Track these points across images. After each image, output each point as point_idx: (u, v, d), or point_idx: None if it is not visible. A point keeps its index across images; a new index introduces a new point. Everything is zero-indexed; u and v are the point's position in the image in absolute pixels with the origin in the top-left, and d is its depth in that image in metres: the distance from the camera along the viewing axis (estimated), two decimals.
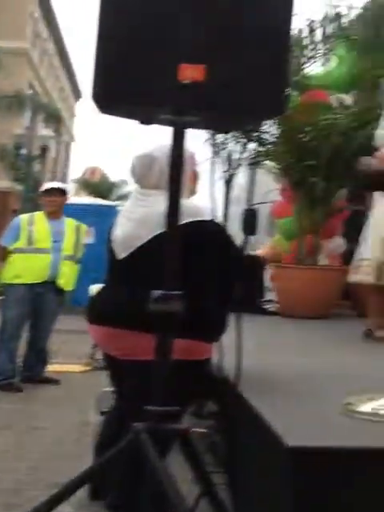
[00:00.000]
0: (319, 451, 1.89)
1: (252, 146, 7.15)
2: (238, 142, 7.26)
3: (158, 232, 2.56)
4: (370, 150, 5.11)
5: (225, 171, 7.88)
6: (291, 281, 6.35)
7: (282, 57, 2.30)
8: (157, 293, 2.11)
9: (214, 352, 2.78)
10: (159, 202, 2.37)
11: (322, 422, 2.26)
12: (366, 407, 2.39)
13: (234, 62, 2.18)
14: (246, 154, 7.38)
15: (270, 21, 2.23)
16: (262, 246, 3.11)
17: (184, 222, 2.36)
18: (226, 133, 5.94)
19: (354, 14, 6.90)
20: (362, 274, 4.90)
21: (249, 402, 2.47)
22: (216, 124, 2.60)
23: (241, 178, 7.96)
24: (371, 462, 1.94)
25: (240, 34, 2.20)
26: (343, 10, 6.75)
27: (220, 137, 6.95)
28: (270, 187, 8.08)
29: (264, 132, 6.91)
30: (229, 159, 7.67)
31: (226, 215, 8.49)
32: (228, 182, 8.12)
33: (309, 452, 1.88)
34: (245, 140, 7.10)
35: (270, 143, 6.95)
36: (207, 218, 2.72)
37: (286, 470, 1.91)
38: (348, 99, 6.74)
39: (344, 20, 6.79)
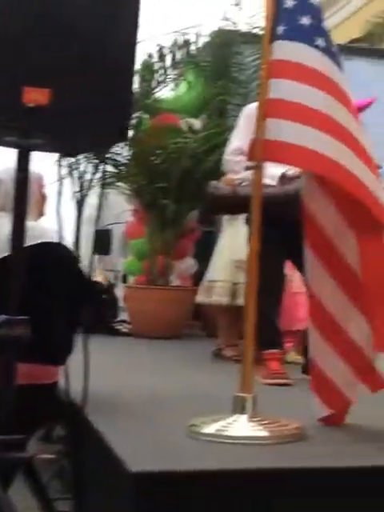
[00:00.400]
0: (161, 475, 1.90)
1: (104, 166, 7.16)
2: (90, 162, 7.25)
3: (4, 255, 2.51)
4: (219, 173, 5.25)
5: (76, 192, 7.84)
6: (143, 301, 6.38)
7: (126, 84, 2.35)
8: (1, 318, 2.07)
9: (60, 375, 2.75)
10: (4, 225, 2.33)
11: (167, 445, 2.28)
12: (211, 428, 2.42)
13: (79, 87, 2.20)
14: (98, 175, 7.38)
15: (115, 49, 2.27)
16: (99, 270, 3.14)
17: (30, 244, 2.33)
18: (73, 156, 5.93)
19: (202, 41, 7.07)
20: (212, 294, 5.00)
21: (94, 427, 2.45)
22: (62, 147, 2.59)
23: (93, 198, 7.93)
24: (214, 483, 1.97)
25: (86, 60, 2.22)
26: (192, 38, 6.90)
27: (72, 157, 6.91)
28: (122, 208, 8.12)
29: (116, 153, 6.94)
30: (81, 180, 7.65)
31: (77, 236, 8.42)
32: (80, 203, 8.07)
33: (151, 477, 1.89)
34: (97, 161, 7.10)
35: (122, 165, 6.98)
36: (54, 239, 2.70)
37: (129, 497, 1.91)
38: (197, 123, 6.89)
39: (193, 47, 6.93)
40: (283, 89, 2.46)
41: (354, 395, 2.68)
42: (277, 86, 2.47)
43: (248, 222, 3.68)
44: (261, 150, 2.53)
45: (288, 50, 2.48)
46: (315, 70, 2.46)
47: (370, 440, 2.56)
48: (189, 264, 7.08)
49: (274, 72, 2.49)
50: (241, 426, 2.44)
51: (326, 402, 2.67)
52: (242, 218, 4.31)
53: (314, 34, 2.49)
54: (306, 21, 2.48)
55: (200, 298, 5.15)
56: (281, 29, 2.49)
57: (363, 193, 2.44)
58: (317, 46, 2.48)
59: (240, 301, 4.76)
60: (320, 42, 2.48)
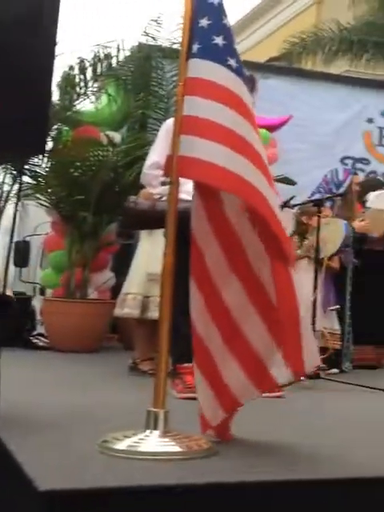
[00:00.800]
0: (69, 494, 1.88)
1: (23, 178, 7.08)
2: (9, 173, 7.16)
3: None
4: (138, 186, 5.26)
5: None
6: (61, 314, 6.32)
7: (43, 96, 2.34)
8: None
9: None
10: None
11: (78, 462, 2.25)
12: (122, 445, 2.41)
13: None
14: (16, 186, 7.29)
15: (32, 61, 2.26)
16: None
17: None
18: None
19: (123, 55, 7.08)
20: (127, 307, 4.99)
21: (5, 444, 2.41)
22: None
23: (11, 209, 7.82)
24: (123, 500, 1.96)
25: (2, 73, 2.20)
26: (113, 51, 6.92)
27: None
28: (41, 220, 8.04)
29: (36, 165, 6.88)
30: None
31: None
32: None
33: (59, 495, 1.86)
34: (16, 172, 7.02)
35: (41, 176, 6.92)
36: None
37: None
38: (117, 137, 6.89)
39: (114, 61, 6.94)
40: (197, 106, 2.49)
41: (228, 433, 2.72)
42: (191, 104, 2.50)
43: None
44: (175, 166, 2.55)
45: (202, 69, 2.51)
46: (227, 89, 2.50)
47: (275, 453, 2.60)
48: (107, 277, 7.06)
49: (189, 89, 2.51)
50: (152, 442, 2.43)
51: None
52: (161, 230, 4.32)
53: (226, 54, 2.53)
54: (219, 41, 2.52)
55: (116, 311, 5.14)
56: (196, 47, 2.52)
57: (268, 212, 2.48)
58: (229, 66, 2.52)
59: (151, 314, 4.77)
60: (232, 62, 2.52)
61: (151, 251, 4.75)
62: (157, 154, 4.22)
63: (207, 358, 2.62)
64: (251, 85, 4.62)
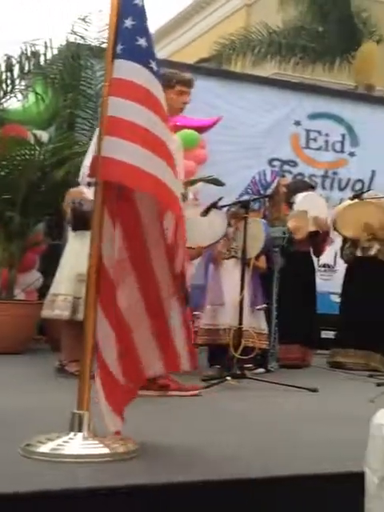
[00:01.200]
0: None
1: None
2: None
3: None
4: (66, 186, 5.23)
5: None
6: None
7: None
8: None
9: None
10: None
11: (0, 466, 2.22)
12: (45, 447, 2.38)
13: None
14: None
15: None
16: None
17: None
18: None
19: (51, 53, 7.01)
20: (57, 308, 4.92)
21: None
22: None
23: None
24: (43, 504, 1.93)
25: None
26: (41, 49, 6.84)
27: None
28: None
29: None
30: None
31: None
32: None
33: None
34: None
35: None
36: None
37: None
38: (45, 136, 6.81)
39: (41, 59, 6.86)
40: (119, 107, 2.49)
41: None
42: (113, 104, 2.50)
43: None
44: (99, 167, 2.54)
45: (125, 70, 2.51)
46: (148, 91, 2.51)
47: (197, 454, 2.62)
48: (34, 277, 6.97)
49: (112, 90, 2.51)
50: (76, 445, 2.40)
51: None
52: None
53: (148, 56, 2.54)
54: (142, 42, 2.52)
55: (44, 312, 5.06)
56: (120, 48, 2.51)
57: (180, 214, 2.51)
58: (151, 68, 2.53)
59: (82, 315, 4.69)
60: (153, 65, 2.54)
61: (81, 251, 4.68)
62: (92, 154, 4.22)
63: (109, 376, 2.59)
64: (189, 86, 4.64)
